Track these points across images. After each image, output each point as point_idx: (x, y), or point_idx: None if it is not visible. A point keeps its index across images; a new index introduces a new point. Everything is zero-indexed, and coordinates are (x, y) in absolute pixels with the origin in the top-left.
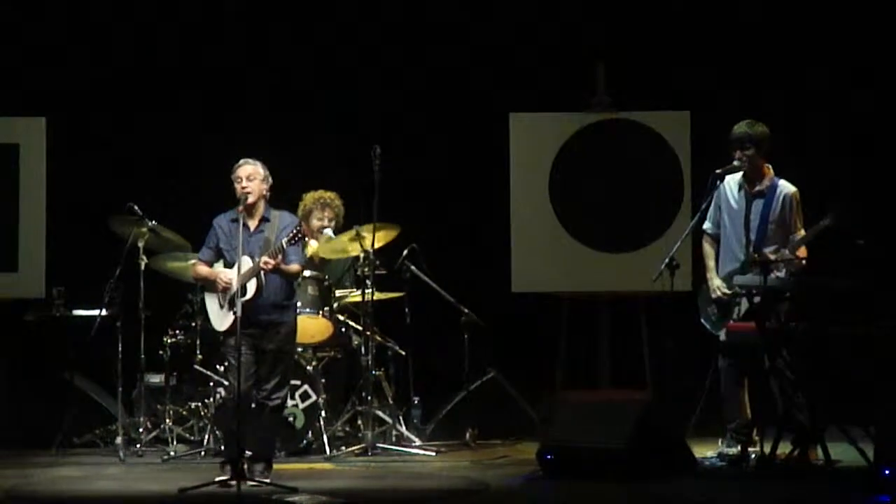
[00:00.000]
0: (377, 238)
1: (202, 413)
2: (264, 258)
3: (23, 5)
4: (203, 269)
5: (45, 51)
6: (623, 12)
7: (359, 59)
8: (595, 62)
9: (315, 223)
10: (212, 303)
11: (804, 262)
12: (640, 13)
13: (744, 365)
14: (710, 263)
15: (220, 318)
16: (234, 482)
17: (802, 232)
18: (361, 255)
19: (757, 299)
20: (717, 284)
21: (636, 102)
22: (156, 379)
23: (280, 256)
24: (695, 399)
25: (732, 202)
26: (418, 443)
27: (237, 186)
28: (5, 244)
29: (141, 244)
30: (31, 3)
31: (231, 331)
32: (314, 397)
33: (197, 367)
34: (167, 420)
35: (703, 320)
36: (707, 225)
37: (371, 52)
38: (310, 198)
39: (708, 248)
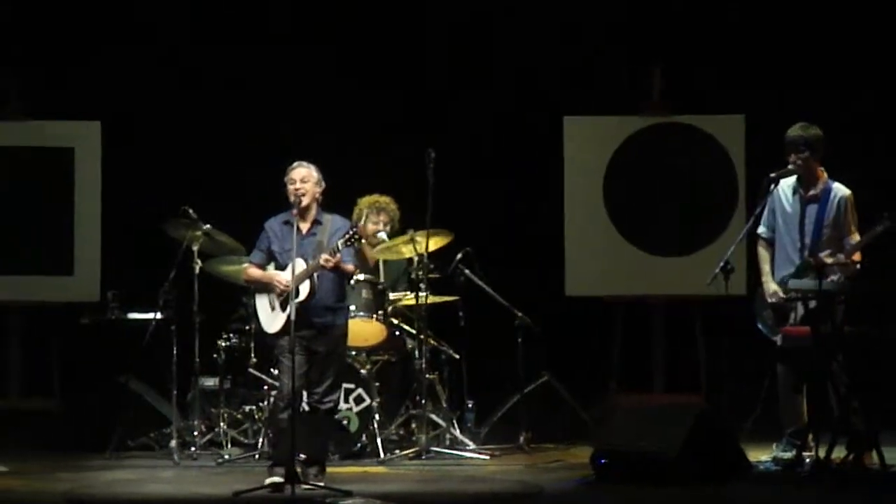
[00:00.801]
0: (431, 242)
1: (256, 416)
2: (324, 255)
3: (78, 9)
4: (255, 272)
5: (101, 54)
6: (679, 15)
7: (414, 61)
8: (650, 65)
9: (370, 227)
10: (262, 305)
11: (859, 266)
12: (695, 16)
13: (800, 370)
14: (766, 268)
15: (271, 321)
16: (287, 485)
17: (857, 235)
18: (416, 258)
19: (812, 304)
20: (773, 289)
21: (691, 106)
22: (210, 382)
23: (338, 256)
24: (750, 403)
25: (787, 206)
26: (472, 446)
27: (291, 189)
28: (61, 248)
29: (195, 248)
30: (87, 7)
31: (282, 333)
32: (368, 401)
33: (251, 370)
34: (221, 423)
35: (759, 325)
36: (762, 229)
37: (427, 54)
38: (364, 202)
39: (763, 253)
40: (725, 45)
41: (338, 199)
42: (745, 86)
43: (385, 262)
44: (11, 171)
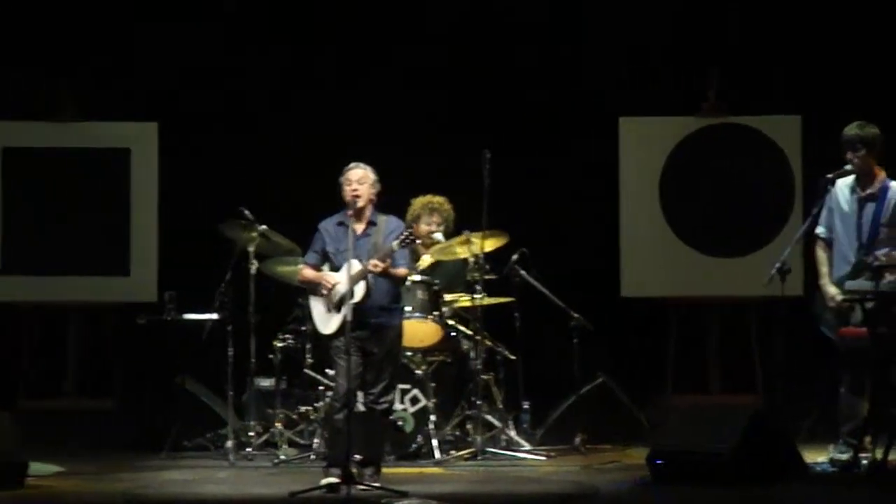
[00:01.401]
0: (487, 243)
1: (312, 417)
2: (373, 261)
3: (135, 10)
4: (310, 273)
5: (157, 55)
6: (735, 15)
7: (471, 61)
8: (706, 66)
9: (424, 228)
10: (317, 306)
11: None
12: (752, 16)
13: (858, 371)
14: (824, 269)
15: (326, 322)
16: (343, 486)
17: None
18: (471, 259)
19: (869, 305)
20: (832, 293)
21: (747, 106)
22: (266, 383)
23: (389, 260)
24: (806, 404)
25: (844, 205)
26: (528, 447)
27: (347, 189)
28: (117, 249)
29: (251, 248)
30: (142, 7)
31: (337, 334)
32: (424, 401)
33: (307, 371)
34: (277, 424)
35: (822, 327)
36: (820, 229)
37: (483, 54)
38: (418, 202)
39: (821, 254)
40: (782, 45)
41: (393, 199)
42: (802, 85)
43: (439, 262)
44: (69, 172)
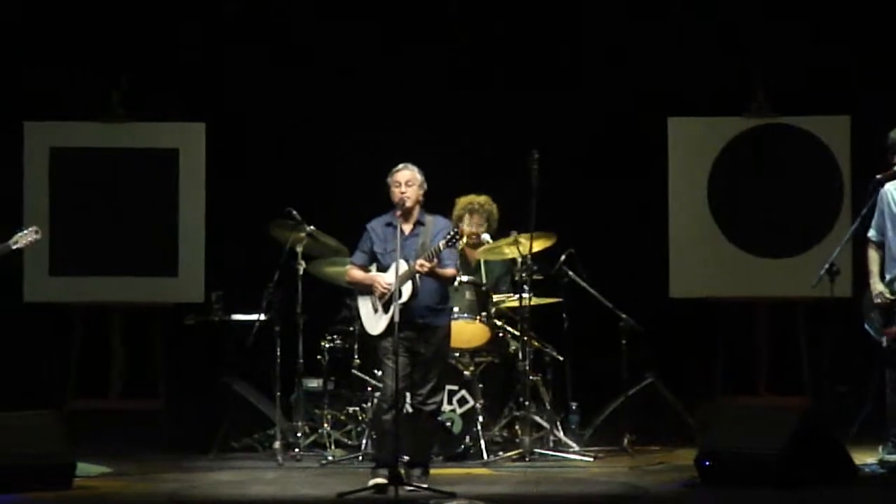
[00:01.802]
0: (535, 243)
1: (360, 417)
2: (420, 261)
3: (181, 12)
4: (357, 273)
5: (203, 56)
6: (782, 15)
7: (516, 61)
8: (755, 65)
9: (466, 228)
10: (365, 306)
11: None
12: (799, 16)
13: None
14: (874, 269)
15: (374, 322)
16: (391, 487)
17: None
18: (519, 260)
19: None
20: (879, 289)
21: (796, 107)
22: (314, 384)
23: (436, 259)
24: (855, 405)
25: (894, 207)
26: (576, 448)
27: (395, 191)
28: (165, 249)
29: (299, 249)
30: (189, 8)
31: (384, 334)
32: (471, 402)
33: (355, 371)
34: (325, 425)
35: (866, 326)
36: (871, 232)
37: (530, 54)
38: (462, 202)
39: (873, 255)
40: (830, 45)
41: (438, 199)
42: (850, 86)
43: (485, 262)
44: (117, 172)
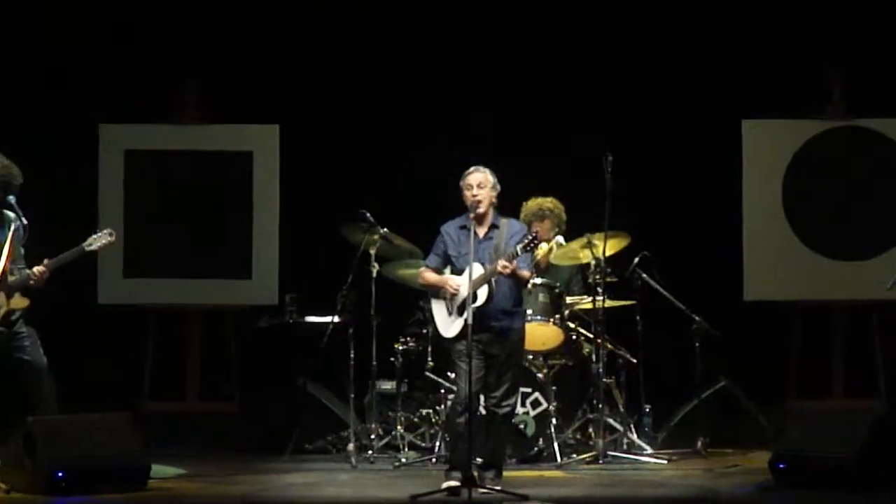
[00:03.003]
0: (609, 246)
1: (433, 420)
2: (502, 262)
3: (255, 14)
4: (431, 276)
5: (278, 59)
6: (860, 17)
7: (589, 62)
8: (830, 67)
9: (542, 234)
10: (439, 309)
11: None
12: (876, 18)
13: None
14: None
15: (448, 325)
16: (464, 489)
17: None
18: (593, 262)
19: None
20: None
21: (872, 109)
22: (387, 386)
23: (515, 262)
24: None
25: None
26: (649, 451)
27: (467, 194)
28: (239, 252)
29: (372, 251)
30: (264, 11)
31: (459, 337)
32: (545, 405)
33: (428, 373)
34: (398, 427)
35: None
36: None
37: (602, 55)
38: (531, 205)
39: None
40: None
41: (511, 201)
42: None
43: (555, 265)
44: (191, 175)
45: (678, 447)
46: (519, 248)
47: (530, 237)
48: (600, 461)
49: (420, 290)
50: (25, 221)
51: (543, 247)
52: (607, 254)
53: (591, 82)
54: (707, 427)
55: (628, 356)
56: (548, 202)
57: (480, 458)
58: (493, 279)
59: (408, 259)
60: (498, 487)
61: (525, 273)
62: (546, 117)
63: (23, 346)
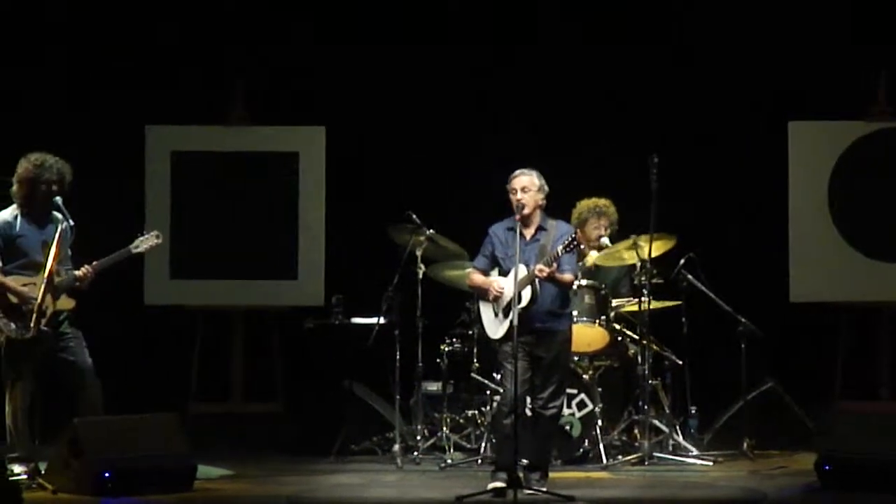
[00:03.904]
0: (654, 247)
1: (479, 421)
2: (539, 266)
3: (300, 15)
4: (478, 278)
5: (323, 60)
6: None
7: (636, 65)
8: (876, 68)
9: (591, 232)
10: (486, 311)
11: None
12: None
13: None
14: None
15: (495, 326)
16: (510, 490)
17: None
18: (638, 264)
19: None
20: None
21: None
22: (433, 387)
23: (555, 265)
24: None
25: None
26: (695, 452)
27: (512, 197)
28: (285, 252)
29: (419, 252)
30: (309, 12)
31: (505, 338)
32: (591, 406)
33: (474, 375)
34: (444, 428)
35: None
36: None
37: (650, 57)
38: (584, 206)
39: None
40: None
41: (561, 202)
42: None
43: (602, 266)
44: (237, 176)
45: (724, 449)
46: (560, 249)
47: (570, 238)
48: (646, 463)
49: (466, 291)
50: (72, 223)
51: (593, 255)
52: (653, 255)
53: (639, 84)
54: (753, 428)
55: (674, 358)
56: (602, 201)
57: (526, 459)
58: (537, 281)
59: (454, 260)
60: (543, 489)
61: (566, 277)
62: (592, 118)
63: (69, 347)
